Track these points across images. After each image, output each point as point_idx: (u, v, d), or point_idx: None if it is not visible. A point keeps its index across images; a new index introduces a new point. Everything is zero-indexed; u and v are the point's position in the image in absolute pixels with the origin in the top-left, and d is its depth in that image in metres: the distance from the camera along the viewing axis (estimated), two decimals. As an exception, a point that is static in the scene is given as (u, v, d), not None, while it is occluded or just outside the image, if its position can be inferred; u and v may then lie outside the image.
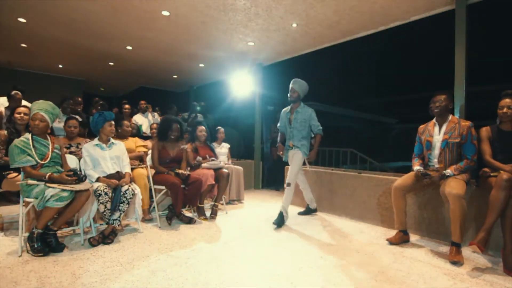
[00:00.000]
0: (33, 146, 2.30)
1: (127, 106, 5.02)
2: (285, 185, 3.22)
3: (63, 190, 2.17)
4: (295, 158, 3.27)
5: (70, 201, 2.23)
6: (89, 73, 7.30)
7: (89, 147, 2.72)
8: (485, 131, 2.47)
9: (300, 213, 3.65)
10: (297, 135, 3.29)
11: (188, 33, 4.41)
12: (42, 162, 2.32)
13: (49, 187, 2.17)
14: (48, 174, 2.26)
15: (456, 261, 2.18)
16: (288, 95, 3.33)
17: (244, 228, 3.04)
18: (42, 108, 2.36)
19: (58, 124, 3.78)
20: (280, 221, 3.11)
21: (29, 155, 2.26)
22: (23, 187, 2.26)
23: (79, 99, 4.82)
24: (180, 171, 3.12)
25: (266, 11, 3.64)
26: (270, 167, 6.08)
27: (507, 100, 2.34)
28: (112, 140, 2.88)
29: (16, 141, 2.27)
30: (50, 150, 2.40)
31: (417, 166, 2.61)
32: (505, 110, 2.33)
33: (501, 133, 2.39)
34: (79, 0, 3.47)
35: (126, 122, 3.57)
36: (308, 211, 3.68)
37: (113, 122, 2.84)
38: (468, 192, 2.54)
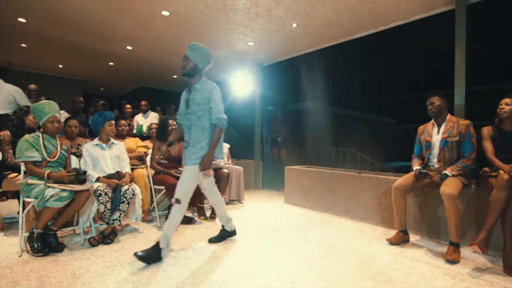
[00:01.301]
0: (43, 144, 2.35)
1: (128, 106, 5.02)
2: (173, 201, 2.26)
3: (63, 190, 2.18)
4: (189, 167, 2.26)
5: (70, 201, 2.23)
6: (89, 73, 7.30)
7: (89, 147, 2.72)
8: (486, 130, 2.48)
9: (211, 240, 2.58)
10: (196, 124, 2.24)
11: (188, 33, 4.41)
12: (49, 159, 2.34)
13: (49, 187, 2.18)
14: (47, 172, 2.26)
15: (451, 260, 2.18)
16: (180, 66, 2.31)
17: (244, 228, 3.04)
18: (55, 109, 2.45)
19: None
20: (151, 256, 2.11)
21: (37, 150, 2.30)
22: (23, 187, 2.26)
23: (81, 98, 4.83)
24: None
25: (266, 11, 3.64)
26: (270, 167, 6.09)
27: (507, 99, 2.36)
28: (112, 140, 2.88)
29: (27, 136, 2.33)
30: (59, 149, 2.44)
31: (416, 166, 2.62)
32: (502, 106, 2.36)
33: (502, 133, 2.39)
34: (79, 0, 3.47)
35: (122, 122, 3.57)
36: (223, 235, 2.63)
37: (113, 122, 2.85)
38: (468, 192, 2.55)
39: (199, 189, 3.12)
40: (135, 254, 2.06)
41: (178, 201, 2.21)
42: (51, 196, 2.13)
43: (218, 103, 2.25)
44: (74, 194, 2.25)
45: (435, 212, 2.77)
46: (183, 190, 2.24)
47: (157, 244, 2.15)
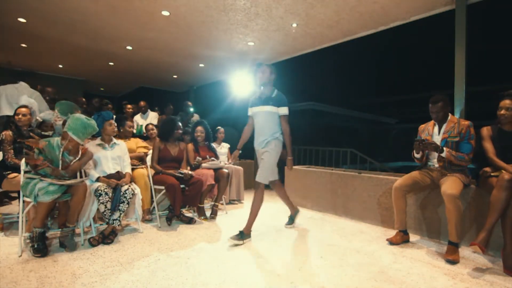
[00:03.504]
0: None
1: (129, 106, 5.01)
2: None
3: (51, 184, 2.14)
4: None
5: (67, 198, 2.23)
6: (89, 73, 7.30)
7: (92, 146, 2.73)
8: (486, 130, 2.47)
9: None
10: None
11: (188, 33, 4.41)
12: (47, 163, 2.33)
13: (41, 180, 2.16)
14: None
15: (451, 260, 2.18)
16: None
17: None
18: (73, 129, 2.34)
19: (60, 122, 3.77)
20: None
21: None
22: (22, 185, 2.25)
23: (83, 99, 4.83)
24: (185, 171, 3.12)
25: (266, 11, 3.64)
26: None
27: (507, 101, 2.33)
28: (114, 140, 2.89)
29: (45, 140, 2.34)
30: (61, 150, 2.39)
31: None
32: (503, 112, 2.32)
33: (502, 133, 2.38)
34: (79, 0, 3.47)
35: (129, 122, 3.58)
36: None
37: (112, 122, 2.84)
38: (468, 192, 2.55)
39: (200, 190, 3.14)
40: None
41: None
42: (39, 190, 2.10)
43: None
44: (66, 188, 2.23)
45: (435, 212, 2.77)
46: None
47: None
